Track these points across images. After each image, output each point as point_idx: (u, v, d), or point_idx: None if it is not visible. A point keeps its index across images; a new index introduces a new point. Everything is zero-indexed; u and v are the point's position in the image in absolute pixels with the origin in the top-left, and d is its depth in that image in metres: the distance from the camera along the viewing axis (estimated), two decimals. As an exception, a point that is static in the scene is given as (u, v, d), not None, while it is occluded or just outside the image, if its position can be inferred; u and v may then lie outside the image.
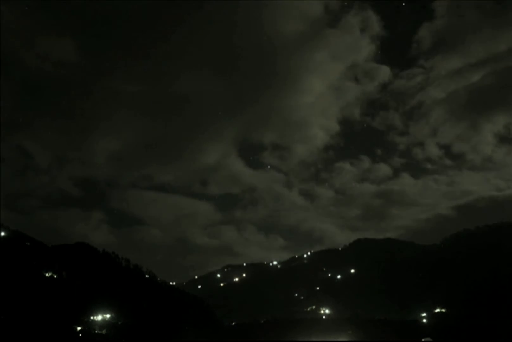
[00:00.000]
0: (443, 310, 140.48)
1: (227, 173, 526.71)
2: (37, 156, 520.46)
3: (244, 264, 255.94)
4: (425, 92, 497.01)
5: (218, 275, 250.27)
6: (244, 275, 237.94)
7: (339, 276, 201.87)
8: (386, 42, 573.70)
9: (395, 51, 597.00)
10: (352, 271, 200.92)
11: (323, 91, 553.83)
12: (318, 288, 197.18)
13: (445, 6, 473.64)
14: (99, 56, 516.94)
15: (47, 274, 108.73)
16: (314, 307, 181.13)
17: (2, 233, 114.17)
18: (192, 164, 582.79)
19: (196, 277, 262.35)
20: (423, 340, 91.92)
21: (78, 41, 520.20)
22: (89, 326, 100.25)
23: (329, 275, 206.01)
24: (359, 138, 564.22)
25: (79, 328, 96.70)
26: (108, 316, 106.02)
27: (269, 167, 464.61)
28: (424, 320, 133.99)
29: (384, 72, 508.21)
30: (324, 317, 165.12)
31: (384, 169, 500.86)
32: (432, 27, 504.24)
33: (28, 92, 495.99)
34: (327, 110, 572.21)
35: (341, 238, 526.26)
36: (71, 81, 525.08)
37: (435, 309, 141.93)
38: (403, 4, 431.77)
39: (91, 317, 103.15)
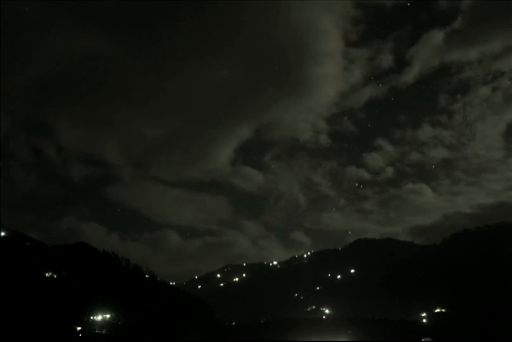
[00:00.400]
0: (443, 310, 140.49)
1: (234, 173, 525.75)
2: (50, 155, 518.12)
3: (244, 264, 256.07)
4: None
5: (218, 275, 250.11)
6: (244, 275, 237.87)
7: (339, 276, 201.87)
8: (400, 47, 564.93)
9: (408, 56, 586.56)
10: (352, 271, 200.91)
11: (331, 94, 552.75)
12: (318, 288, 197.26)
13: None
14: (104, 53, 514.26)
15: (47, 274, 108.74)
16: (314, 307, 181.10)
17: (2, 233, 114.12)
18: (199, 164, 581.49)
19: (196, 277, 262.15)
20: (423, 340, 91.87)
21: (88, 37, 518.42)
22: (89, 326, 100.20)
23: (329, 275, 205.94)
24: (365, 141, 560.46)
25: (79, 328, 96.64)
26: (108, 316, 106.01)
27: (273, 167, 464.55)
28: (424, 320, 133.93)
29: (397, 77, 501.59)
30: (324, 317, 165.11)
31: (389, 171, 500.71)
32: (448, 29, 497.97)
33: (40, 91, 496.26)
34: (333, 112, 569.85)
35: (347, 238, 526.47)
36: (79, 79, 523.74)
37: (435, 309, 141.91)
38: (408, 4, 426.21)
39: (91, 317, 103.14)
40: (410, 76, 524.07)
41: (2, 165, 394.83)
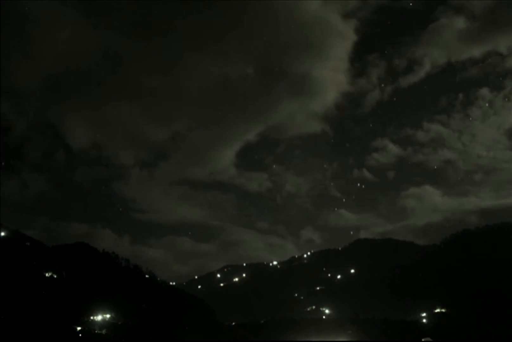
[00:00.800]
0: (443, 310, 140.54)
1: (238, 174, 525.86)
2: (59, 157, 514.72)
3: (244, 264, 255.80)
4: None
5: (218, 275, 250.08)
6: (244, 275, 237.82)
7: (339, 276, 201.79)
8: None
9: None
10: (352, 271, 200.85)
11: (336, 95, 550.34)
12: (318, 288, 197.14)
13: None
14: (112, 55, 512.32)
15: (47, 274, 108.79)
16: (314, 307, 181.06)
17: (2, 233, 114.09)
18: (203, 165, 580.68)
19: (196, 277, 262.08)
20: (423, 340, 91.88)
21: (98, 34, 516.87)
22: (89, 326, 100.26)
23: (329, 275, 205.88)
24: (369, 142, 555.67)
25: (79, 328, 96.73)
26: (108, 316, 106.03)
27: (275, 167, 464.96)
28: (424, 320, 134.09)
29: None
30: (324, 317, 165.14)
31: (393, 172, 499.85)
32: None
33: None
34: (338, 113, 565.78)
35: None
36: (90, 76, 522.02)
37: (435, 309, 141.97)
38: (411, 4, 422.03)
39: (91, 317, 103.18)
40: (415, 76, 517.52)
41: (13, 168, 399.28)
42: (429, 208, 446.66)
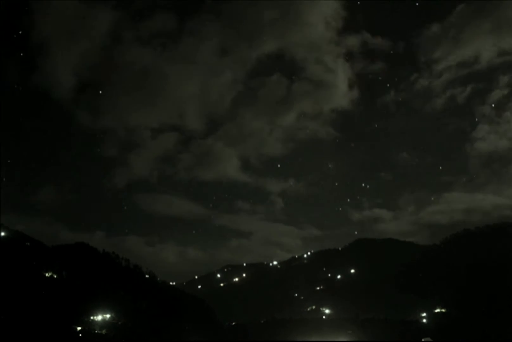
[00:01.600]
0: (443, 310, 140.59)
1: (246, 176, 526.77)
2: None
3: (244, 264, 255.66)
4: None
5: (218, 275, 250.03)
6: (244, 275, 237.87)
7: (339, 276, 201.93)
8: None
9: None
10: (352, 271, 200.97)
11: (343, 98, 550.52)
12: (318, 288, 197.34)
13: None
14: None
15: (47, 274, 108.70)
16: (314, 307, 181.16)
17: (2, 233, 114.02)
18: (212, 167, 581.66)
19: (196, 277, 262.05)
20: (423, 340, 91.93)
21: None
22: (89, 326, 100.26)
23: (329, 275, 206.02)
24: (373, 142, 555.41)
25: (79, 328, 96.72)
26: (108, 316, 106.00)
27: (279, 165, 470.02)
28: (424, 320, 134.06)
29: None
30: (324, 317, 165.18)
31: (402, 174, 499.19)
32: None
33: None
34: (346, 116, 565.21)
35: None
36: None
37: (435, 309, 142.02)
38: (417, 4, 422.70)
39: (91, 317, 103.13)
40: (428, 77, 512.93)
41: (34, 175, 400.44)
42: (444, 206, 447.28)
